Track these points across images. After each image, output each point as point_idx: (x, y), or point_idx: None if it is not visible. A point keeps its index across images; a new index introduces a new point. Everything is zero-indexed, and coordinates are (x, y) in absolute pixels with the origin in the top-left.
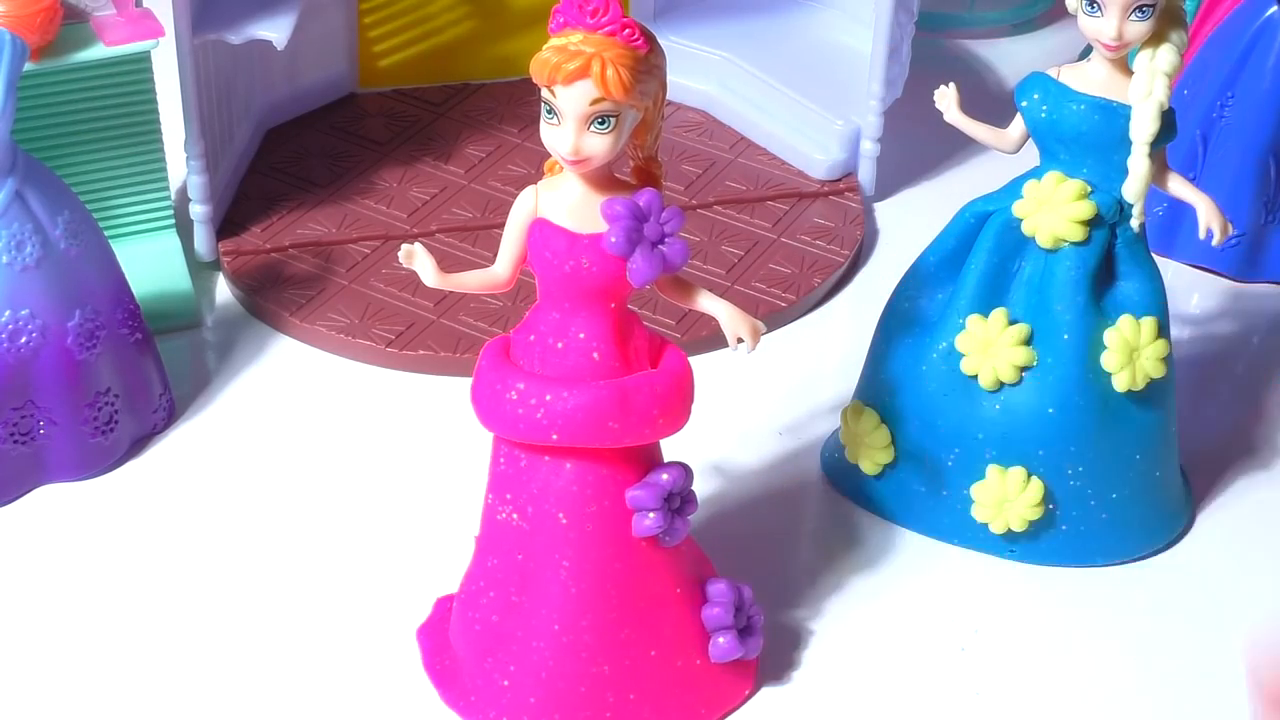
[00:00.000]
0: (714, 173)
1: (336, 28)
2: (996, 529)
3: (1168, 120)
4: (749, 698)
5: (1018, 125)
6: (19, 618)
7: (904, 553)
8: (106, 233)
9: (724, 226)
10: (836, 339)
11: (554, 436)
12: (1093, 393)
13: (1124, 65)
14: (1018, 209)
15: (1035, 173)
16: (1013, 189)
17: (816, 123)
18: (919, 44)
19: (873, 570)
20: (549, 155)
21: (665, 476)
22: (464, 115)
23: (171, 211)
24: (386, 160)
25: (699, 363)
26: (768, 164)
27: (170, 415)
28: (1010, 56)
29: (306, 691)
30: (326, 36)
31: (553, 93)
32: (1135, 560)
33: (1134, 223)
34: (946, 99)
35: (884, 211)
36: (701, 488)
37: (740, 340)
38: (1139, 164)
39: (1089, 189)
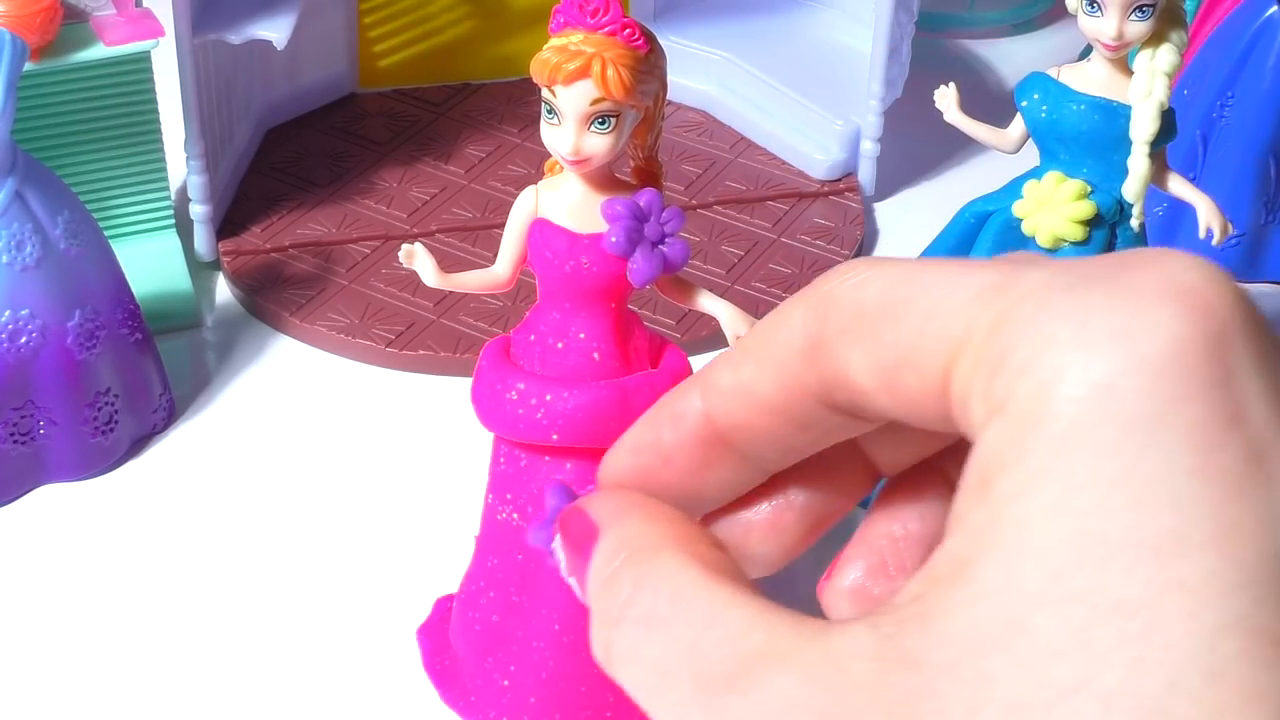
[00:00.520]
0: (714, 173)
1: (336, 28)
2: None
3: (1168, 120)
4: None
5: (1018, 125)
6: (19, 618)
7: None
8: (106, 233)
9: (724, 226)
10: None
11: (554, 436)
12: None
13: (1124, 65)
14: (1018, 209)
15: (1035, 173)
16: (1013, 189)
17: (816, 123)
18: (919, 44)
19: None
20: (549, 155)
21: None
22: (464, 115)
23: (171, 211)
24: (386, 160)
25: (699, 363)
26: (768, 164)
27: (170, 415)
28: (1010, 56)
29: (306, 691)
30: (326, 36)
31: (553, 93)
32: None
33: (1134, 223)
34: (946, 99)
35: (884, 211)
36: None
37: (740, 340)
38: (1139, 164)
39: (1089, 189)
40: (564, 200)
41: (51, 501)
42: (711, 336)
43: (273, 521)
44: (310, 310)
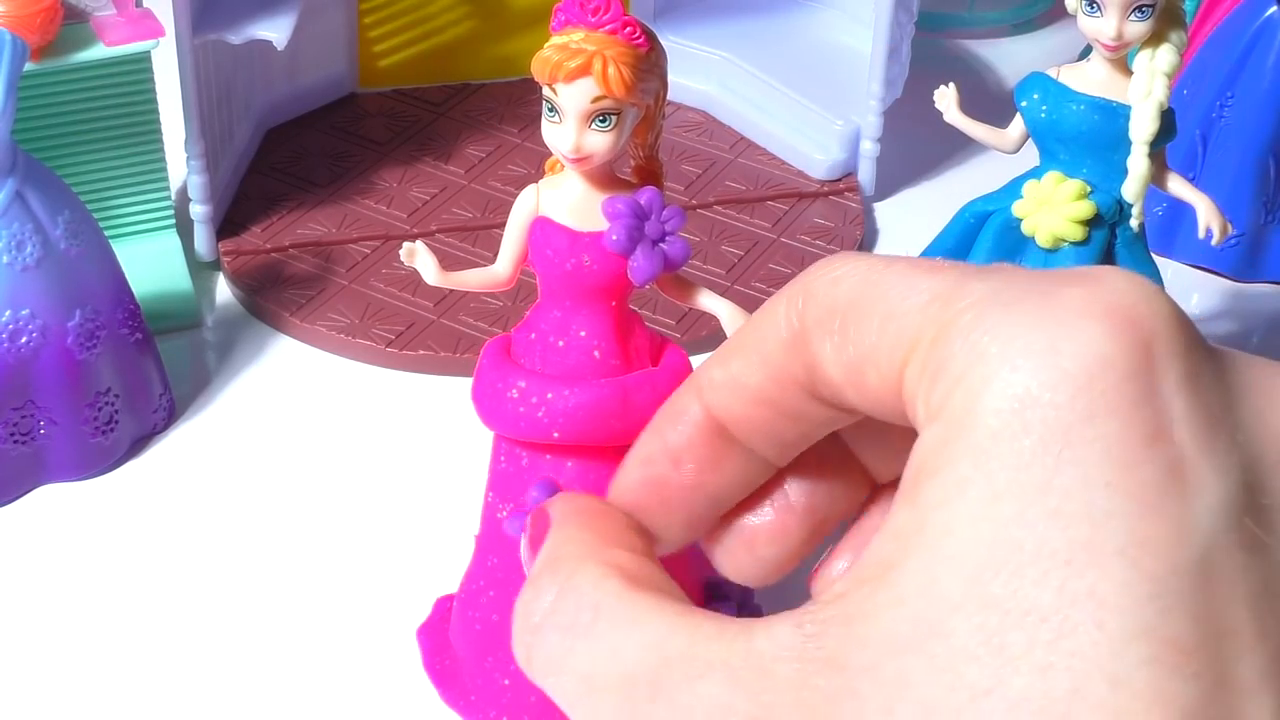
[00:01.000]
0: (714, 173)
1: (336, 28)
2: None
3: (1167, 120)
4: None
5: (1017, 125)
6: (19, 618)
7: None
8: (107, 233)
9: (724, 226)
10: None
11: (555, 435)
12: None
13: (1124, 65)
14: (1017, 209)
15: (1035, 173)
16: (1012, 189)
17: (816, 123)
18: (919, 44)
19: None
20: (549, 155)
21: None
22: (464, 115)
23: (172, 211)
24: (386, 160)
25: (699, 362)
26: (768, 164)
27: (170, 415)
28: (1010, 56)
29: (306, 691)
30: (326, 36)
31: (554, 91)
32: None
33: (1134, 223)
34: (946, 99)
35: (884, 211)
36: None
37: (731, 335)
38: (1138, 164)
39: (1089, 189)
40: (565, 198)
41: (51, 501)
42: (712, 336)
43: (273, 521)
44: (310, 310)
